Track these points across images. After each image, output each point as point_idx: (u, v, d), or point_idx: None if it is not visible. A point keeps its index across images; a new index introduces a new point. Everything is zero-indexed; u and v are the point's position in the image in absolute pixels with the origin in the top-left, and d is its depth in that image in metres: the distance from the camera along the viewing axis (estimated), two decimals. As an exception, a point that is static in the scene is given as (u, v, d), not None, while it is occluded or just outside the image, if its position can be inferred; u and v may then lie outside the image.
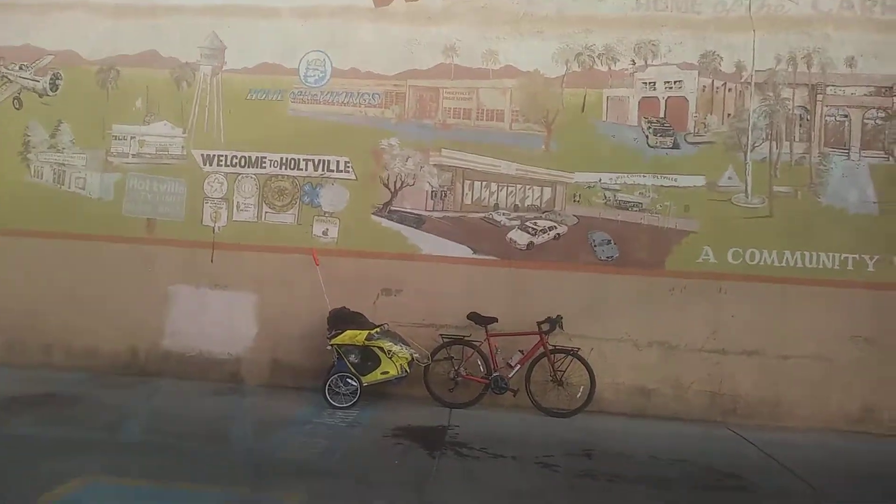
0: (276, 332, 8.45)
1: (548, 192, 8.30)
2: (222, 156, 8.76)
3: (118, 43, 8.98)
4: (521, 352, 7.79)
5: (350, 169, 8.54)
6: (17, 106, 9.11)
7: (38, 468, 5.14)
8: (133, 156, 8.89)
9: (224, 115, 8.80)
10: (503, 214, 8.30)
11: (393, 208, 8.44)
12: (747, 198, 8.11)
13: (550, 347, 7.72)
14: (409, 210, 8.41)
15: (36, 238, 8.86)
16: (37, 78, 9.09)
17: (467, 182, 8.38)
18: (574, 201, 8.26)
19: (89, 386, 7.90)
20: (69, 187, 8.97)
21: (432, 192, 8.40)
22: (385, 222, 8.43)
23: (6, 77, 9.13)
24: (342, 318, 7.73)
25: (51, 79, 9.07)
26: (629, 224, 8.18)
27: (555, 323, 7.77)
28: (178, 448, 5.81)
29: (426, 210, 8.39)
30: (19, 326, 8.76)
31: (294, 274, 8.43)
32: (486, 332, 7.83)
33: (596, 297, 8.11)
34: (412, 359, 7.56)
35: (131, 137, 8.91)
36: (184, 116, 8.87)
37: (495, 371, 7.76)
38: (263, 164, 8.70)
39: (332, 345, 7.54)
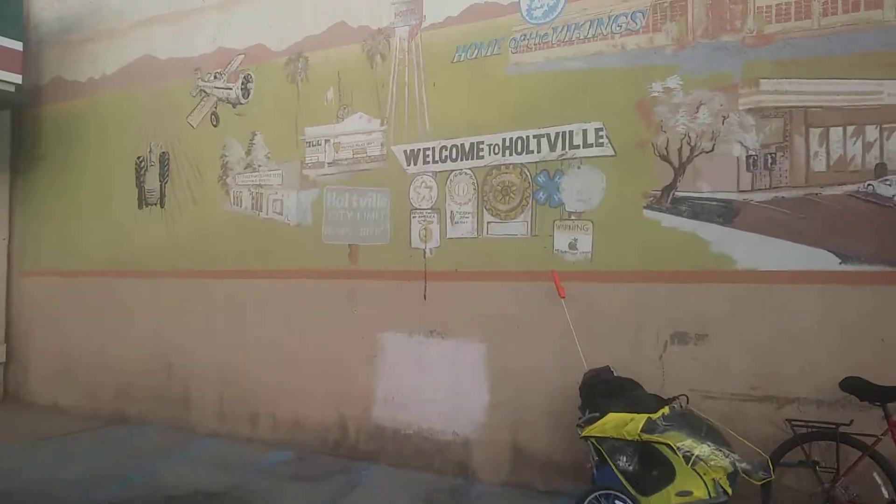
0: (514, 403, 5.61)
1: None
2: (428, 149, 6.21)
3: (304, 22, 7.02)
4: (971, 459, 3.82)
5: (604, 139, 5.33)
6: (215, 122, 7.68)
7: None
8: (329, 164, 6.82)
9: (427, 90, 6.26)
10: (899, 184, 4.35)
11: (679, 193, 4.99)
12: None
13: None
14: (707, 195, 4.89)
15: (241, 279, 7.29)
16: (229, 85, 7.57)
17: (815, 132, 4.56)
18: None
19: (277, 475, 5.94)
20: (266, 213, 7.23)
21: (749, 157, 4.77)
22: (668, 219, 5.03)
23: (203, 90, 7.77)
24: (601, 389, 4.57)
25: (242, 83, 7.47)
26: None
27: None
28: None
29: (739, 191, 4.79)
30: (230, 389, 7.27)
31: (532, 312, 5.54)
32: (888, 416, 4.02)
33: None
34: (735, 469, 4.08)
35: (325, 140, 6.85)
36: (380, 103, 6.53)
37: (914, 498, 3.92)
38: (480, 153, 5.94)
39: (584, 436, 4.45)
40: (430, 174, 6.19)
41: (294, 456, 6.52)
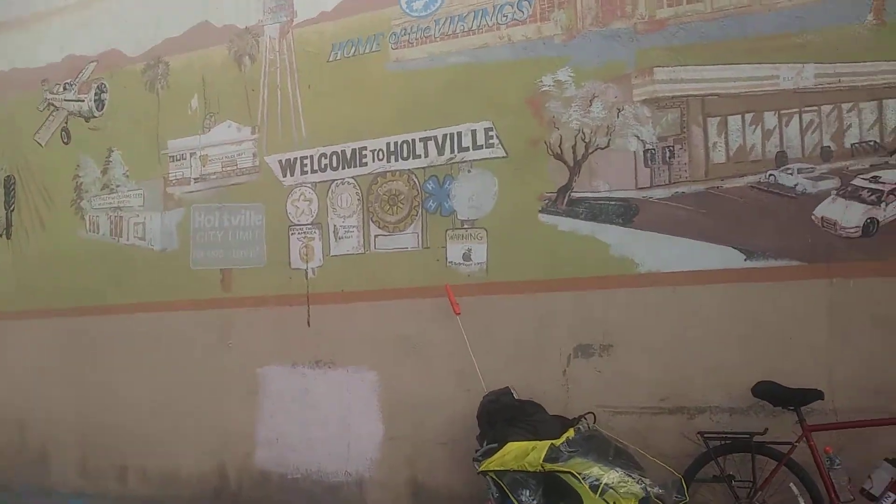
0: (411, 435, 5.04)
1: (894, 109, 3.96)
2: (306, 158, 5.61)
3: (162, 23, 6.32)
4: (893, 462, 3.55)
5: (495, 140, 4.90)
6: (66, 140, 6.80)
7: None
8: (195, 180, 6.10)
9: (301, 93, 5.68)
10: (800, 173, 4.09)
11: (576, 194, 4.60)
12: None
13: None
14: (605, 194, 4.52)
15: (100, 316, 6.42)
16: (81, 97, 6.73)
17: (713, 121, 4.28)
18: (959, 122, 3.83)
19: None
20: (127, 239, 6.42)
21: (646, 151, 4.43)
22: (565, 223, 4.61)
23: (52, 104, 6.89)
24: (501, 415, 4.11)
25: (95, 93, 6.65)
26: None
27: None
28: None
29: (637, 188, 4.43)
30: (91, 442, 6.38)
31: (426, 332, 5.01)
32: (802, 421, 3.73)
33: None
34: (647, 494, 3.66)
35: (191, 154, 6.14)
36: (251, 110, 5.89)
37: (836, 509, 3.61)
38: (363, 160, 5.40)
39: (481, 471, 3.94)
40: (309, 185, 5.59)
41: (166, 513, 5.73)
